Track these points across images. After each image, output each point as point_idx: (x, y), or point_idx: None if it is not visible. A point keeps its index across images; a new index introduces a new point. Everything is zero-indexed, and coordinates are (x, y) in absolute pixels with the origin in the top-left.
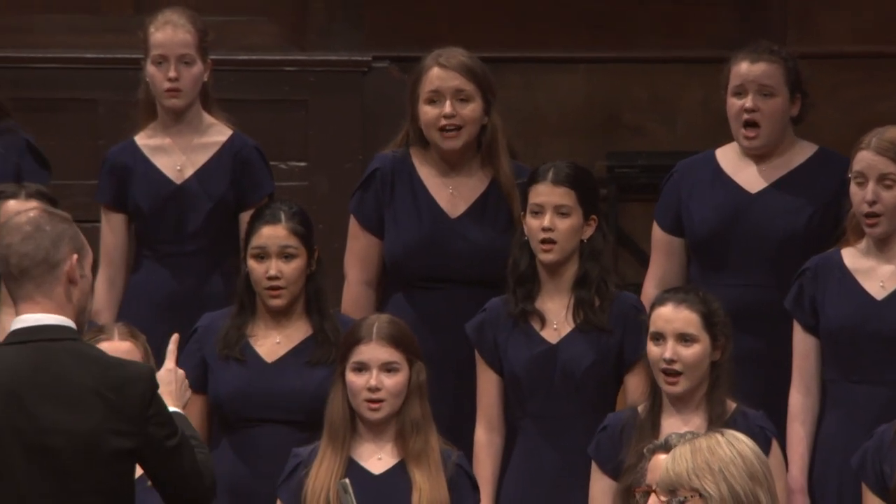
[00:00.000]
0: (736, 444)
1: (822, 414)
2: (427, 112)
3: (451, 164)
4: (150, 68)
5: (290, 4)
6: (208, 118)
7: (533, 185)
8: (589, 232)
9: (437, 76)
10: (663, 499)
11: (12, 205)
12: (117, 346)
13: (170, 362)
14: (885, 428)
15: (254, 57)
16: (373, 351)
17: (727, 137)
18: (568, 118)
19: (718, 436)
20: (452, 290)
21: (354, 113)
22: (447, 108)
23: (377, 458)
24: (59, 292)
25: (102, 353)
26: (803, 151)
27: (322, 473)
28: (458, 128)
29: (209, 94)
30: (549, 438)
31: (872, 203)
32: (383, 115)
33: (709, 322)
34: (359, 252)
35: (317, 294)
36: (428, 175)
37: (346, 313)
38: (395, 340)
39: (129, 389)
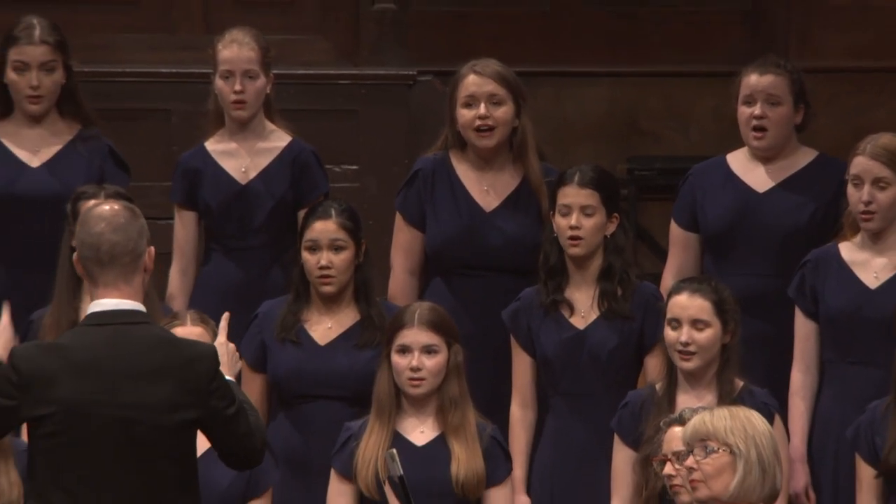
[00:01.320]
0: (767, 424)
1: (820, 391)
2: (464, 114)
3: (485, 163)
4: (219, 82)
5: (344, 25)
6: (270, 125)
7: (561, 187)
8: (612, 228)
9: (472, 82)
10: (689, 450)
11: (92, 205)
12: (190, 331)
13: (221, 336)
14: (876, 404)
15: (311, 72)
16: (415, 335)
17: (737, 143)
18: (592, 126)
19: (753, 411)
20: (487, 277)
21: (401, 121)
22: (481, 109)
23: (420, 431)
24: (137, 281)
25: (172, 335)
26: (805, 156)
27: (371, 445)
28: (491, 128)
29: (271, 105)
30: (577, 414)
31: (868, 203)
32: (427, 123)
33: (720, 309)
34: (403, 244)
35: (364, 283)
36: (465, 173)
37: (391, 299)
38: (435, 325)
39: (196, 367)
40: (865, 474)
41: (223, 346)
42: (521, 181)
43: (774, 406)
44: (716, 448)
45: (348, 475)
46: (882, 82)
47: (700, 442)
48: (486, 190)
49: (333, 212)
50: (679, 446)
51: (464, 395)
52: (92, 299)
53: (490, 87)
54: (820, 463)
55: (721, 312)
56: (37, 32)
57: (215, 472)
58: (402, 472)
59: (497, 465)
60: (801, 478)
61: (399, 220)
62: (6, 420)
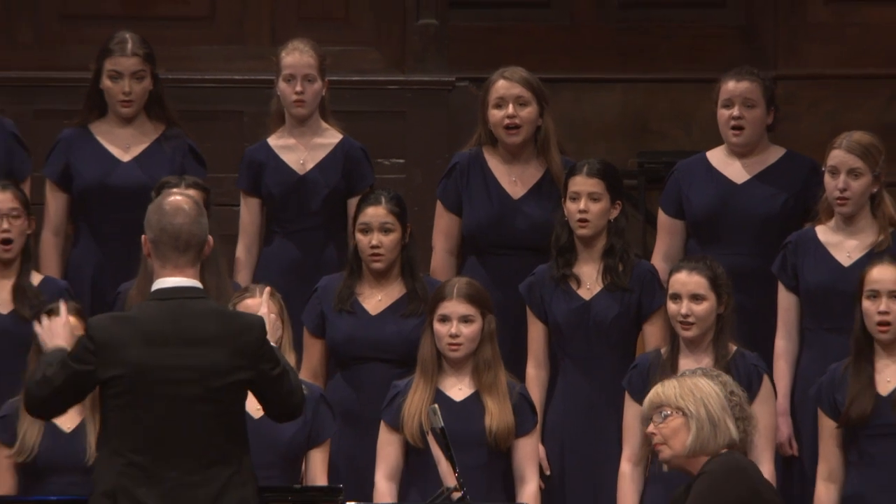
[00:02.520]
0: (713, 383)
1: (800, 354)
2: (494, 114)
3: (513, 157)
4: (282, 84)
5: (393, 38)
6: (324, 124)
7: (571, 177)
8: (615, 213)
9: (502, 86)
10: (649, 418)
11: (167, 196)
12: (252, 302)
13: (264, 308)
14: (836, 366)
15: (365, 78)
16: (454, 306)
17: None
18: (607, 125)
19: (701, 375)
20: (515, 255)
21: (442, 121)
22: (510, 110)
23: (458, 389)
24: (198, 264)
25: (225, 308)
26: (776, 152)
27: (416, 400)
28: (518, 126)
29: (326, 107)
30: (584, 374)
31: (843, 190)
32: (464, 122)
33: (714, 284)
34: (443, 228)
35: (409, 261)
36: (495, 166)
37: (433, 276)
38: (471, 298)
39: (246, 335)
40: (826, 426)
41: (266, 316)
42: (544, 172)
43: (763, 368)
44: (670, 413)
45: (396, 426)
46: (858, 88)
47: (656, 410)
48: (514, 180)
49: (383, 199)
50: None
51: (496, 358)
52: (156, 278)
53: (517, 90)
54: (802, 415)
55: (715, 287)
56: (129, 46)
57: (280, 426)
58: (442, 424)
59: (525, 419)
60: (784, 430)
61: (439, 207)
62: (86, 383)
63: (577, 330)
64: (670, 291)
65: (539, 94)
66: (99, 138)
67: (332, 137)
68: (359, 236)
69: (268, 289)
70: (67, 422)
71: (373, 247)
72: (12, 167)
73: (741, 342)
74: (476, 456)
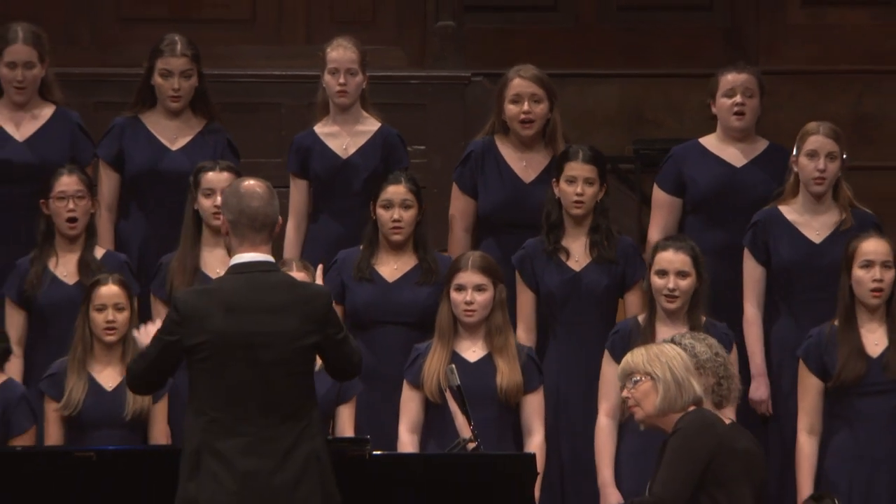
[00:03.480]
0: (677, 348)
1: (777, 321)
2: (511, 109)
3: (524, 145)
4: (326, 77)
5: (415, 38)
6: (364, 113)
7: (567, 162)
8: (601, 195)
9: (518, 84)
10: (622, 385)
11: (211, 175)
12: (295, 275)
13: (319, 281)
14: (818, 329)
15: (389, 74)
16: (469, 276)
17: (713, 129)
18: (607, 115)
19: (666, 343)
20: (525, 233)
21: (458, 112)
22: (525, 106)
23: (472, 351)
24: (271, 241)
25: (295, 279)
26: (762, 142)
27: (435, 361)
28: (532, 121)
29: (366, 98)
30: (574, 338)
31: (822, 171)
32: (479, 113)
33: (696, 262)
34: (460, 209)
35: (422, 236)
36: (507, 153)
37: (451, 253)
38: (484, 269)
39: (315, 302)
40: (811, 383)
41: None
42: (550, 159)
43: (732, 336)
44: (639, 378)
45: (417, 385)
46: (832, 83)
47: (627, 377)
48: (525, 166)
49: (403, 179)
50: None
51: (506, 323)
52: (233, 254)
53: (532, 88)
54: (778, 376)
55: (697, 265)
56: (178, 47)
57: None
58: (459, 382)
59: (532, 377)
60: (763, 389)
61: (455, 191)
62: (175, 352)
63: (569, 298)
64: (657, 268)
65: (550, 91)
66: (149, 128)
67: (371, 125)
68: (380, 211)
69: (320, 266)
70: (109, 380)
71: (394, 220)
72: (77, 154)
73: (733, 310)
74: (489, 411)
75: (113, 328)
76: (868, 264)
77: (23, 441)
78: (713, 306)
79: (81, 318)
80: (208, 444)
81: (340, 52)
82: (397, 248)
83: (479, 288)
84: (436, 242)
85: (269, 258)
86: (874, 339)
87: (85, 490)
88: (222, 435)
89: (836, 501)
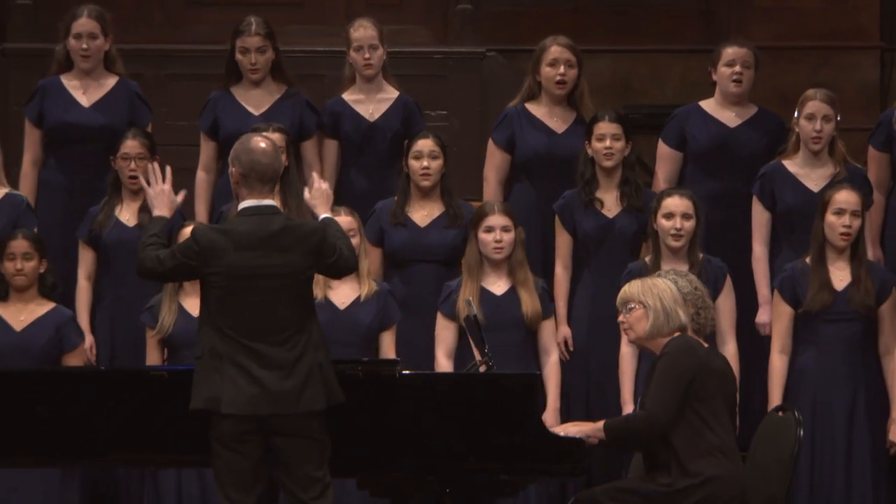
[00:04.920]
0: (666, 282)
1: (780, 255)
2: (548, 71)
3: (554, 103)
4: (352, 53)
5: (438, 19)
6: (385, 83)
7: (596, 123)
8: (627, 151)
9: (556, 50)
10: (620, 310)
11: (251, 138)
12: (342, 220)
13: (323, 211)
14: (791, 265)
15: (416, 50)
16: (497, 219)
17: (696, 97)
18: (601, 85)
19: (659, 276)
20: (556, 180)
21: (475, 83)
22: (560, 69)
23: (497, 285)
24: (275, 189)
25: (294, 220)
26: (753, 107)
27: (466, 295)
28: (565, 82)
29: (387, 69)
30: (606, 274)
31: (819, 131)
32: (492, 83)
33: (696, 207)
34: (496, 164)
35: (448, 186)
36: (539, 112)
37: (486, 201)
38: (508, 213)
39: (311, 237)
40: (784, 311)
41: (321, 190)
42: (576, 116)
43: (725, 269)
44: (633, 306)
45: (451, 316)
46: (792, 57)
47: (624, 304)
48: (556, 120)
49: (430, 134)
50: None
51: (525, 260)
52: (240, 200)
53: (567, 55)
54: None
55: (696, 209)
56: (253, 27)
57: (360, 314)
58: (476, 312)
59: (547, 306)
60: (767, 314)
61: (492, 148)
62: (189, 273)
63: (604, 241)
64: (664, 211)
65: (580, 59)
66: (238, 98)
67: (392, 93)
68: (412, 162)
69: (349, 209)
70: (195, 308)
71: (424, 168)
72: (135, 118)
73: (727, 249)
74: (515, 336)
75: None
76: (840, 212)
77: (74, 356)
78: (709, 244)
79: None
80: (227, 354)
81: (362, 31)
82: (427, 195)
83: (505, 229)
84: (455, 192)
85: (273, 202)
86: (840, 276)
87: (159, 405)
88: (239, 348)
89: (797, 413)
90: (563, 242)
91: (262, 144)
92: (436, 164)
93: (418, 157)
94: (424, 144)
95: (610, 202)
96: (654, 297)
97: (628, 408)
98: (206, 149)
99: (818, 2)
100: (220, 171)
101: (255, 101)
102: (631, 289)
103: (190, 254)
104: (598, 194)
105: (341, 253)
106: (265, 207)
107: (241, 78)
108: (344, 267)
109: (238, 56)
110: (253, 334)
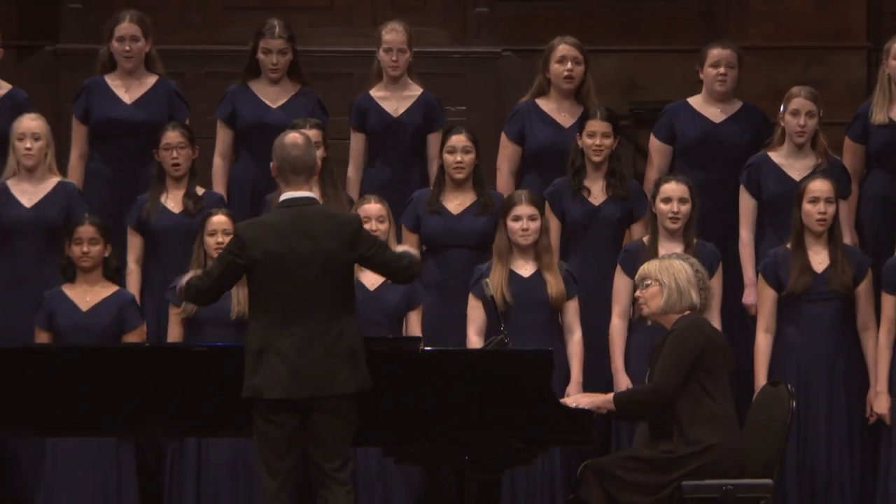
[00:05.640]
0: (683, 264)
1: (764, 239)
2: (556, 68)
3: (562, 100)
4: (381, 53)
5: (457, 21)
6: (409, 81)
7: (588, 120)
8: (615, 145)
9: (564, 49)
10: (637, 286)
11: (292, 131)
12: (373, 206)
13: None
14: (775, 250)
15: (437, 50)
16: (524, 209)
17: (696, 94)
18: (608, 83)
19: (675, 258)
20: (563, 173)
21: (491, 80)
22: (568, 65)
23: (525, 269)
24: (311, 180)
25: (330, 210)
26: (738, 103)
27: (496, 277)
28: (573, 78)
29: (411, 69)
30: (592, 257)
31: (803, 126)
32: (507, 81)
33: (691, 192)
34: (508, 155)
35: (480, 177)
36: (548, 108)
37: (499, 190)
38: (534, 202)
39: (347, 228)
40: (768, 293)
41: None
42: (582, 111)
43: (718, 254)
44: (650, 282)
45: (481, 296)
46: (783, 56)
47: (641, 281)
48: (563, 115)
49: (464, 130)
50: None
51: (549, 245)
52: (281, 192)
53: (574, 53)
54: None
55: (692, 194)
56: (276, 30)
57: (388, 295)
58: (493, 293)
59: (570, 287)
60: (753, 295)
61: (504, 141)
62: (235, 269)
63: (590, 226)
64: (662, 196)
65: (586, 56)
66: (257, 93)
67: (415, 90)
68: (446, 156)
69: (378, 197)
70: None
71: (457, 162)
72: (174, 113)
73: (713, 235)
74: (541, 315)
75: (222, 249)
76: (814, 200)
77: (134, 335)
78: (698, 230)
79: (198, 241)
80: (267, 342)
81: (393, 35)
82: (460, 186)
83: (531, 217)
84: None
85: (310, 194)
86: (819, 259)
87: (200, 379)
88: (277, 334)
89: (789, 387)
90: (552, 227)
91: (295, 138)
92: (468, 158)
93: (452, 152)
94: (458, 140)
95: (596, 191)
96: (669, 276)
97: (619, 375)
98: (223, 137)
99: (810, 5)
100: (238, 157)
101: (272, 95)
102: (650, 267)
103: (234, 249)
104: (586, 183)
105: (385, 250)
106: (302, 199)
107: (259, 74)
108: (389, 262)
109: (260, 55)
110: (291, 319)
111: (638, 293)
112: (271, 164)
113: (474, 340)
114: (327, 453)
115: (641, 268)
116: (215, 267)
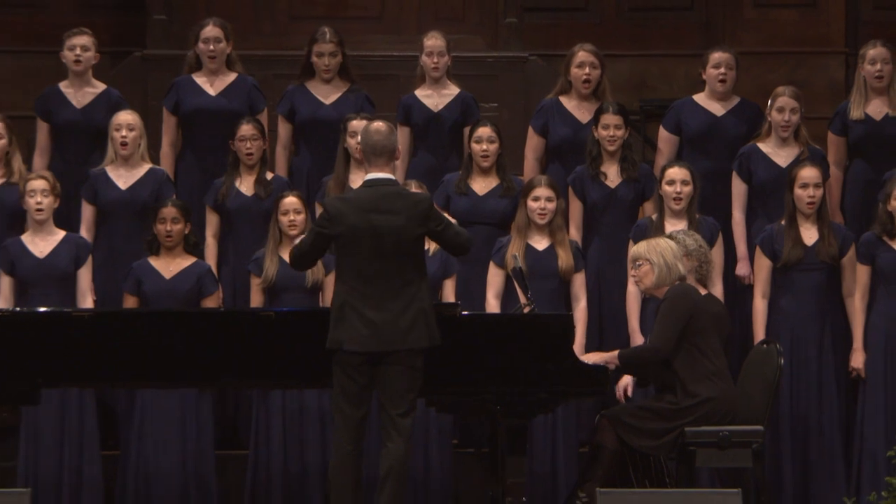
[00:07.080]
0: (670, 241)
1: (755, 222)
2: (576, 72)
3: (581, 99)
4: (424, 58)
5: (490, 29)
6: (448, 82)
7: (602, 114)
8: (626, 135)
9: (582, 55)
10: (631, 266)
11: (354, 123)
12: (415, 189)
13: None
14: (771, 226)
15: (472, 55)
16: (543, 191)
17: (697, 92)
18: (621, 83)
19: (662, 237)
20: (582, 164)
21: (519, 81)
22: (587, 70)
23: (540, 243)
24: (391, 164)
25: (406, 189)
26: (736, 99)
27: (514, 249)
28: (591, 81)
29: (449, 71)
30: (611, 234)
31: (787, 121)
32: (534, 82)
33: (693, 176)
34: (533, 146)
35: (503, 163)
36: (569, 105)
37: (525, 176)
38: (552, 185)
39: (419, 206)
40: (764, 263)
41: None
42: (598, 105)
43: (718, 227)
44: (641, 262)
45: (501, 265)
46: (773, 60)
47: (633, 261)
48: (582, 112)
49: (489, 123)
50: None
51: (563, 224)
52: (366, 173)
53: (591, 58)
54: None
55: (693, 177)
56: (327, 35)
57: (427, 264)
58: (521, 265)
59: (578, 261)
60: (745, 268)
61: (531, 132)
62: (324, 240)
63: (608, 207)
64: (667, 179)
65: (602, 62)
66: (312, 91)
67: (453, 90)
68: (473, 145)
69: (419, 182)
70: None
71: (483, 150)
72: (252, 105)
73: (716, 215)
74: (551, 284)
75: (294, 225)
76: (805, 185)
77: (212, 300)
78: (702, 210)
79: (273, 219)
80: (349, 302)
81: (434, 41)
82: (485, 171)
83: (549, 199)
84: (508, 168)
85: (390, 176)
86: (809, 234)
87: (266, 341)
88: (358, 296)
89: (778, 346)
90: (575, 209)
91: (379, 126)
92: (493, 147)
93: (479, 142)
94: (483, 131)
95: (612, 175)
96: (657, 254)
97: (636, 335)
98: (284, 130)
99: (795, 15)
100: (298, 149)
101: (325, 93)
102: (639, 248)
103: (322, 222)
104: (603, 169)
105: (450, 227)
106: (383, 179)
107: (313, 75)
108: (452, 238)
109: (314, 59)
110: (370, 284)
111: (632, 272)
112: (358, 147)
113: (493, 304)
114: (396, 400)
115: (632, 250)
116: (307, 237)
